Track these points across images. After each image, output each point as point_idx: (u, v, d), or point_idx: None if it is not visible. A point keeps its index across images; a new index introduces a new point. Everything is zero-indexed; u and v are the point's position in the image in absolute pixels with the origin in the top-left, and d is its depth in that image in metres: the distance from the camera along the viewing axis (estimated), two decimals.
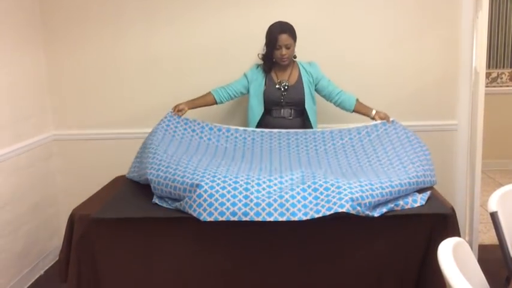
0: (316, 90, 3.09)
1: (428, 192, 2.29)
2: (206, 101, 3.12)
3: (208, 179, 2.16)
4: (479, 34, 3.03)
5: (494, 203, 1.89)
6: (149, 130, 3.46)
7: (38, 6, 3.38)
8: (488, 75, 5.23)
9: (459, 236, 2.01)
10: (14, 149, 3.05)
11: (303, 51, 3.33)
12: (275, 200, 2.08)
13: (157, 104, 3.47)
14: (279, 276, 2.27)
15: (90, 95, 3.50)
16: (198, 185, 2.13)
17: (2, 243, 2.93)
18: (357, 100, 3.02)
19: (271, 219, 2.05)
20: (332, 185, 2.10)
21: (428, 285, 2.17)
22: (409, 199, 2.22)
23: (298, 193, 2.11)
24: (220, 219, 2.08)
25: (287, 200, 2.08)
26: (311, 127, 3.08)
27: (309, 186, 2.12)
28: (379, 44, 3.34)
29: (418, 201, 2.21)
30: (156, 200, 2.36)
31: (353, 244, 2.24)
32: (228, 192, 2.11)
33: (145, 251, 2.29)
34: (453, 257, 1.40)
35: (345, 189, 2.07)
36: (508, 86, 5.34)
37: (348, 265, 2.24)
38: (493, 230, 1.88)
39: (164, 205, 2.31)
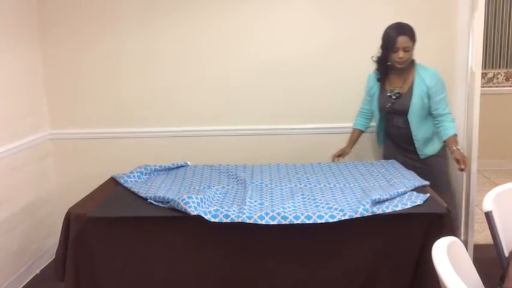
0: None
1: (428, 194, 2.31)
2: (355, 135, 3.19)
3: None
4: (475, 34, 3.03)
5: (489, 202, 1.90)
6: (145, 129, 3.49)
7: (34, 5, 3.37)
8: (484, 75, 5.24)
9: (455, 235, 2.02)
10: (10, 148, 3.04)
11: (299, 53, 3.35)
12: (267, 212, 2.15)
13: (154, 104, 3.48)
14: (276, 275, 2.27)
15: (85, 95, 3.49)
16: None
17: None
18: (454, 135, 2.80)
19: (263, 222, 2.10)
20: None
21: (424, 284, 2.18)
22: (407, 199, 2.24)
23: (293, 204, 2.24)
24: (213, 220, 2.13)
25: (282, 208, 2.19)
26: (407, 137, 2.93)
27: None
28: (375, 44, 3.34)
29: (417, 201, 2.24)
30: (151, 200, 2.37)
31: (349, 243, 2.24)
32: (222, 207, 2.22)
33: (142, 249, 2.30)
34: (448, 256, 1.40)
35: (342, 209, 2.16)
36: (504, 86, 5.35)
37: (344, 264, 2.24)
38: (488, 230, 1.89)
39: (160, 204, 2.33)
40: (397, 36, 2.77)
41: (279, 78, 3.40)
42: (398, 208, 2.19)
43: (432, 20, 3.30)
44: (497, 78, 5.34)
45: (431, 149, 2.95)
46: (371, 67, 3.35)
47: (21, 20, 3.24)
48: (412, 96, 2.84)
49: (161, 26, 3.38)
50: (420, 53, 3.32)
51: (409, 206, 2.20)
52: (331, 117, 3.43)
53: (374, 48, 3.33)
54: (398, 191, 2.34)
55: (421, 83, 2.83)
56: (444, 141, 2.85)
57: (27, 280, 3.20)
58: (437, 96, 2.82)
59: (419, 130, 2.89)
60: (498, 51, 5.28)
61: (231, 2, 3.33)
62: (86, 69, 3.46)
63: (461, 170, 2.68)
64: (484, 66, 5.21)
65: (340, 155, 3.16)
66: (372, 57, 2.95)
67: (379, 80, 3.00)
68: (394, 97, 2.91)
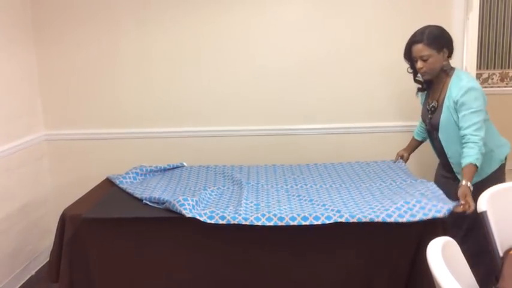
0: None
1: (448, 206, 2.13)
2: (413, 143, 2.98)
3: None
4: (470, 35, 3.05)
5: (483, 202, 1.91)
6: (141, 130, 3.48)
7: (29, 6, 3.36)
8: (479, 75, 5.25)
9: (449, 235, 2.02)
10: (5, 149, 3.03)
11: (298, 53, 3.35)
12: (264, 213, 2.16)
13: (149, 104, 3.47)
14: (272, 276, 2.27)
15: (81, 95, 3.48)
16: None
17: None
18: (471, 165, 2.27)
19: (259, 223, 2.11)
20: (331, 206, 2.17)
21: (419, 284, 2.18)
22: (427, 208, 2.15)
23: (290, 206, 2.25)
24: (209, 222, 2.14)
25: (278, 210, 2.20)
26: (445, 157, 2.57)
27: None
28: (370, 44, 3.35)
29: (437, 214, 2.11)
30: (146, 201, 2.37)
31: (344, 245, 2.24)
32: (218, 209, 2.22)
33: (137, 250, 2.30)
34: (442, 256, 1.41)
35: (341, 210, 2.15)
36: (498, 87, 5.36)
37: (339, 266, 2.25)
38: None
39: (155, 205, 2.33)
40: (411, 45, 2.48)
41: (274, 78, 3.40)
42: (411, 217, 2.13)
43: (427, 21, 3.27)
44: (492, 79, 5.36)
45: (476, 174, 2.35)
46: (368, 67, 3.37)
47: (15, 20, 3.23)
48: (442, 111, 2.48)
49: (156, 26, 3.37)
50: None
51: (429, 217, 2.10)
52: (327, 117, 3.43)
53: (370, 48, 3.35)
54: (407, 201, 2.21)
55: (450, 95, 2.44)
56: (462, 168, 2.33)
57: (23, 281, 3.19)
58: (461, 111, 2.38)
59: (452, 149, 2.52)
60: (493, 52, 5.30)
61: (227, 2, 3.33)
62: (81, 70, 3.45)
63: (460, 210, 2.14)
64: (479, 66, 5.22)
65: (401, 157, 2.98)
66: (407, 69, 2.65)
67: (422, 91, 2.72)
68: (430, 111, 2.60)
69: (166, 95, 3.45)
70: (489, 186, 2.09)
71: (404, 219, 2.09)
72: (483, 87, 5.19)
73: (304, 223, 2.11)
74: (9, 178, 3.10)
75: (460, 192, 2.19)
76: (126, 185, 2.65)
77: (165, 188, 2.57)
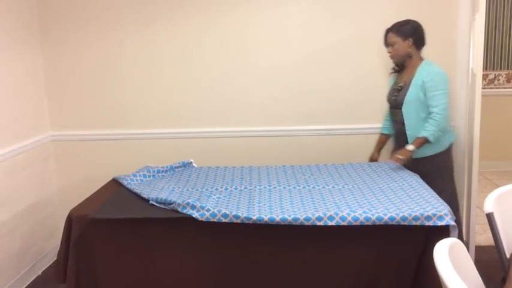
0: None
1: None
2: (382, 140, 3.24)
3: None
4: (476, 36, 3.03)
5: (490, 204, 1.90)
6: (147, 131, 3.49)
7: (35, 8, 3.38)
8: (485, 76, 5.24)
9: (456, 237, 2.01)
10: (12, 150, 3.05)
11: (301, 53, 3.35)
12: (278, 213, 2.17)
13: (154, 105, 3.48)
14: (277, 277, 2.27)
15: (87, 96, 3.50)
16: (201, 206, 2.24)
17: None
18: (424, 138, 2.75)
19: (273, 223, 2.13)
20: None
21: (425, 285, 2.17)
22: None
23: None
24: (224, 220, 2.16)
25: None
26: (404, 133, 2.92)
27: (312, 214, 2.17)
28: (377, 45, 3.35)
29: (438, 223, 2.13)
30: (153, 201, 2.37)
31: (350, 245, 2.24)
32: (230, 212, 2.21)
33: (143, 251, 2.30)
34: (449, 257, 1.40)
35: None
36: (505, 88, 5.35)
37: (347, 266, 2.24)
38: (490, 231, 1.89)
39: (161, 206, 2.33)
40: (386, 32, 2.94)
41: (279, 79, 3.40)
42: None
43: (433, 22, 3.30)
44: (498, 80, 5.34)
45: (424, 150, 2.83)
46: (372, 68, 3.37)
47: (22, 22, 3.25)
48: (409, 89, 2.88)
49: (161, 28, 3.38)
50: (421, 54, 3.33)
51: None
52: (332, 118, 3.43)
53: (374, 49, 3.34)
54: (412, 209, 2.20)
55: (419, 77, 2.85)
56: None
57: (29, 282, 3.20)
58: (431, 92, 2.79)
59: (412, 125, 2.87)
60: (499, 53, 5.28)
61: (230, 4, 3.34)
62: (87, 71, 3.47)
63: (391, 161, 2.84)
64: (485, 67, 5.21)
65: (372, 159, 3.24)
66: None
67: (395, 72, 3.09)
68: (397, 89, 2.98)
69: (171, 95, 3.46)
70: (437, 161, 2.85)
71: (406, 223, 2.12)
72: (489, 88, 5.26)
73: (318, 223, 2.11)
74: (16, 179, 3.11)
75: (401, 150, 2.79)
76: (134, 185, 2.65)
77: (173, 189, 2.57)
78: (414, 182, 2.56)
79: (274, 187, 2.59)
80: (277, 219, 2.12)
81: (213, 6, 3.34)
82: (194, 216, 2.19)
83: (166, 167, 2.97)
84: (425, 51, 3.31)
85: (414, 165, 2.85)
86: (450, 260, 1.39)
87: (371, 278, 2.25)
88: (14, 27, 3.15)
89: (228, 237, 2.25)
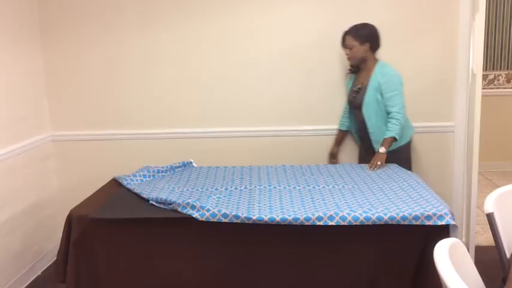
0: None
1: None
2: (340, 136, 3.37)
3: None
4: (476, 36, 3.03)
5: (490, 204, 1.90)
6: (147, 131, 3.49)
7: (36, 7, 3.38)
8: (485, 77, 5.24)
9: (455, 237, 2.01)
10: (11, 150, 3.05)
11: (301, 53, 3.35)
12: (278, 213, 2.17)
13: (155, 105, 3.48)
14: (277, 277, 2.27)
15: (87, 96, 3.50)
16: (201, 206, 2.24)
17: None
18: (392, 138, 2.91)
19: (273, 223, 2.13)
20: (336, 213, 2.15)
21: (425, 285, 2.17)
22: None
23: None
24: (224, 220, 2.16)
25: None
26: (366, 132, 3.07)
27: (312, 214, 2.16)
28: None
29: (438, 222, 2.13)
30: (153, 201, 2.37)
31: (350, 244, 2.24)
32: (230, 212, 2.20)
33: (143, 251, 2.30)
34: (449, 257, 1.40)
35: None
36: (504, 88, 5.35)
37: (345, 265, 2.25)
38: (490, 231, 1.89)
39: (161, 206, 2.33)
40: (344, 35, 3.04)
41: (279, 79, 3.40)
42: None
43: (433, 22, 3.30)
44: (498, 80, 5.34)
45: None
46: None
47: (22, 21, 3.25)
48: (367, 90, 3.01)
49: (161, 28, 3.38)
50: (421, 55, 3.34)
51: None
52: (334, 118, 3.43)
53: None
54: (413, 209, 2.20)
55: (375, 79, 3.00)
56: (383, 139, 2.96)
57: (29, 282, 3.20)
58: (387, 93, 2.95)
59: (374, 125, 3.03)
60: (499, 53, 5.28)
61: (231, 4, 3.34)
62: (87, 71, 3.47)
63: (370, 169, 2.88)
64: (485, 67, 5.21)
65: (332, 157, 3.39)
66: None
67: (351, 73, 3.20)
68: (356, 91, 3.11)
69: (172, 96, 3.46)
70: (402, 153, 3.06)
71: (406, 222, 2.12)
72: (489, 88, 5.26)
73: (318, 223, 2.11)
74: (16, 179, 3.11)
75: (375, 156, 2.91)
76: (134, 185, 2.65)
77: (173, 189, 2.57)
78: (414, 181, 2.56)
79: (274, 187, 2.59)
80: (277, 219, 2.12)
81: (213, 7, 3.34)
82: (194, 216, 2.19)
83: (166, 167, 2.97)
84: (426, 52, 3.32)
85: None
86: (450, 259, 1.39)
87: (371, 278, 2.25)
88: (15, 27, 3.15)
89: (228, 237, 2.25)
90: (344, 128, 3.34)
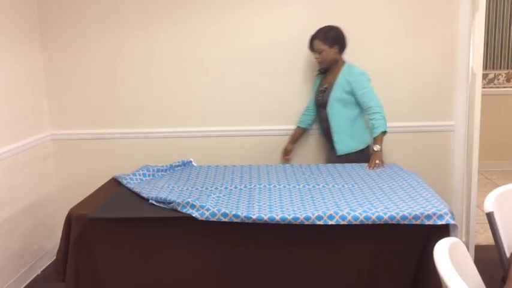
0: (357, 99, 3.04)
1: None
2: (298, 133, 3.39)
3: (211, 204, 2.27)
4: (476, 35, 3.03)
5: (490, 203, 1.90)
6: (146, 130, 3.49)
7: (35, 7, 3.38)
8: (485, 76, 5.24)
9: (455, 236, 2.01)
10: (11, 149, 3.05)
11: (301, 52, 3.35)
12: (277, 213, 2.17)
13: (154, 104, 3.48)
14: (277, 276, 2.27)
15: (87, 95, 3.50)
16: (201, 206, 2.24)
17: None
18: (382, 133, 2.93)
19: (273, 222, 2.13)
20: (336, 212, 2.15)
21: (425, 285, 2.17)
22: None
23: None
24: (223, 219, 2.16)
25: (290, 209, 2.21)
26: (330, 131, 3.10)
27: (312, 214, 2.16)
28: (376, 44, 3.35)
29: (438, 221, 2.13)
30: (152, 201, 2.37)
31: (350, 244, 2.24)
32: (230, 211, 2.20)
33: (143, 250, 2.30)
34: (449, 257, 1.40)
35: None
36: (504, 87, 5.35)
37: (345, 265, 2.24)
38: (490, 231, 1.89)
39: (161, 205, 2.33)
40: (312, 39, 3.07)
41: (279, 79, 3.40)
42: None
43: (433, 21, 3.30)
44: (498, 79, 5.34)
45: (348, 147, 3.08)
46: (366, 68, 3.36)
47: (22, 21, 3.25)
48: (332, 89, 3.06)
49: (161, 27, 3.38)
50: (421, 54, 3.34)
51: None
52: None
53: (375, 48, 3.35)
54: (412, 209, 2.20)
55: (343, 78, 3.04)
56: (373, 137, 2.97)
57: (28, 281, 3.20)
58: (359, 90, 2.99)
59: (337, 124, 3.07)
60: (499, 52, 5.28)
61: (231, 3, 3.34)
62: (87, 70, 3.46)
63: (370, 169, 2.88)
64: (485, 67, 5.21)
65: (286, 154, 3.41)
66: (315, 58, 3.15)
67: (320, 74, 3.24)
68: (322, 90, 3.15)
69: (171, 95, 3.46)
70: (362, 155, 3.04)
71: (406, 222, 2.12)
72: (489, 87, 5.26)
73: (318, 222, 2.11)
74: (16, 178, 3.11)
75: (373, 155, 2.92)
76: (134, 185, 2.65)
77: (172, 188, 2.57)
78: (414, 181, 2.56)
79: (274, 186, 2.59)
80: (277, 218, 2.12)
81: (213, 6, 3.34)
82: (194, 215, 2.19)
83: (166, 166, 2.97)
84: (426, 51, 3.32)
85: (343, 159, 3.06)
86: (450, 259, 1.39)
87: (371, 277, 2.24)
88: (14, 26, 3.15)
89: (227, 236, 2.25)
90: (303, 126, 3.36)
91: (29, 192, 3.27)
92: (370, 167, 2.89)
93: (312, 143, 3.48)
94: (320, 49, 3.04)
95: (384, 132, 2.94)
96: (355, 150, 3.07)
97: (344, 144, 3.08)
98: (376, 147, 2.93)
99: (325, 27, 3.07)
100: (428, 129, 3.41)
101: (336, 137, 3.09)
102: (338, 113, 3.07)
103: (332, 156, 3.16)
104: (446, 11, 3.28)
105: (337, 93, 3.04)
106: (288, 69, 3.39)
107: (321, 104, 3.16)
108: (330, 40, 3.04)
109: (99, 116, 3.51)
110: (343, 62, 3.13)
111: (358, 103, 3.04)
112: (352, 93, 3.02)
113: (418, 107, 3.40)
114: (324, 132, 3.26)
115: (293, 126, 3.42)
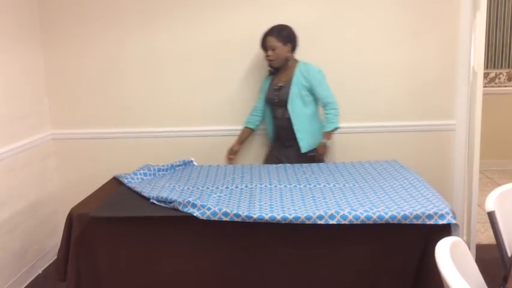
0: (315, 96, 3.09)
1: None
2: (246, 134, 3.38)
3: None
4: (478, 34, 3.03)
5: (491, 202, 1.90)
6: (147, 129, 3.49)
7: (36, 6, 3.38)
8: (486, 75, 5.23)
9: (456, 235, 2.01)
10: (12, 148, 3.05)
11: (303, 51, 3.34)
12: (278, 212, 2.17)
13: (155, 103, 3.48)
14: (278, 276, 2.27)
15: (87, 95, 3.50)
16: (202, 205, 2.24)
17: (0, 242, 2.92)
18: (333, 129, 3.03)
19: (274, 222, 2.13)
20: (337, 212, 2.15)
21: (426, 284, 2.17)
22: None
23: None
24: (225, 219, 2.15)
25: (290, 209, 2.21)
26: (292, 128, 3.10)
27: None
28: (377, 43, 3.35)
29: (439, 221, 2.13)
30: (153, 200, 2.37)
31: (351, 243, 2.24)
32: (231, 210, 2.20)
33: (144, 249, 2.30)
34: (450, 256, 1.40)
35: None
36: (506, 86, 5.35)
37: (346, 264, 2.24)
38: (491, 230, 1.89)
39: (162, 204, 2.33)
40: (265, 36, 3.06)
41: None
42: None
43: (434, 20, 3.30)
44: (499, 78, 5.34)
45: (309, 144, 3.11)
46: (367, 67, 3.37)
47: (22, 20, 3.25)
48: (291, 87, 3.06)
49: (162, 26, 3.38)
50: (422, 53, 3.33)
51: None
52: None
53: (377, 47, 3.34)
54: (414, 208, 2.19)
55: (300, 75, 3.07)
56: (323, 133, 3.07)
57: (29, 280, 3.21)
58: (318, 86, 3.05)
59: (299, 122, 3.08)
60: (500, 51, 5.28)
61: (233, 3, 3.33)
62: (88, 70, 3.46)
63: (313, 156, 3.07)
64: (486, 66, 5.20)
65: (231, 153, 3.40)
66: (265, 56, 3.13)
67: (271, 74, 3.22)
68: (277, 89, 3.13)
69: (172, 94, 3.46)
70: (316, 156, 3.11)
71: (407, 221, 2.11)
72: (490, 86, 5.26)
73: (319, 222, 2.11)
74: (17, 177, 3.11)
75: (318, 147, 3.07)
76: (135, 184, 2.65)
77: (173, 188, 2.57)
78: (415, 180, 2.55)
79: (275, 186, 2.59)
80: (278, 217, 2.12)
81: (215, 5, 3.34)
82: (195, 214, 2.19)
83: (167, 165, 2.97)
84: (427, 50, 3.32)
85: (302, 157, 3.10)
86: (451, 258, 1.39)
87: (372, 277, 2.24)
88: (15, 26, 3.15)
89: (228, 235, 2.25)
90: (252, 126, 3.35)
91: (30, 191, 3.27)
92: (320, 153, 3.06)
93: (258, 143, 3.49)
94: (274, 46, 3.03)
95: (336, 129, 3.04)
96: (314, 148, 3.12)
97: (306, 141, 3.10)
98: (324, 141, 3.05)
99: (278, 25, 3.07)
100: (429, 128, 3.40)
101: (298, 135, 3.10)
102: (299, 111, 3.09)
103: (290, 154, 3.15)
104: (447, 10, 3.28)
105: (296, 90, 3.06)
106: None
107: (277, 103, 3.14)
108: (283, 38, 3.04)
109: (100, 115, 3.51)
110: (296, 61, 3.15)
111: (315, 100, 3.09)
112: (310, 90, 3.06)
113: (419, 106, 3.39)
114: (276, 130, 3.24)
115: None
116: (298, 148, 3.10)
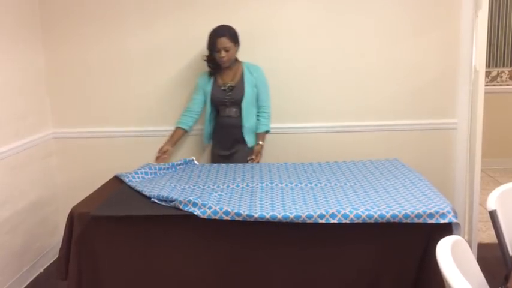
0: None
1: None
2: (179, 135, 3.31)
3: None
4: (479, 33, 3.03)
5: (493, 201, 1.89)
6: (149, 128, 3.49)
7: (37, 4, 3.38)
8: (488, 73, 5.23)
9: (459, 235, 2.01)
10: (13, 147, 3.05)
11: (303, 51, 3.35)
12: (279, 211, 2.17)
13: (157, 103, 3.48)
14: (278, 275, 2.27)
15: (89, 93, 3.50)
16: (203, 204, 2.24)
17: (1, 241, 2.93)
18: (264, 132, 3.20)
19: (275, 221, 2.12)
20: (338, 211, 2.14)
21: (427, 284, 2.17)
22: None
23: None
24: (225, 218, 2.15)
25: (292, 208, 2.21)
26: (240, 126, 3.16)
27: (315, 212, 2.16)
28: (379, 42, 3.34)
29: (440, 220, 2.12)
30: (154, 199, 2.37)
31: (352, 242, 2.23)
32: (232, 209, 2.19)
33: (145, 248, 2.30)
34: (452, 255, 1.40)
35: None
36: (508, 85, 5.34)
37: (346, 265, 2.24)
38: (492, 229, 1.89)
39: (163, 203, 2.33)
40: (217, 37, 3.02)
41: (281, 77, 3.39)
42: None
43: (436, 19, 3.29)
44: (501, 77, 5.33)
45: (253, 141, 3.21)
46: (369, 66, 3.36)
47: (23, 20, 3.25)
48: (245, 86, 3.13)
49: (163, 26, 3.38)
50: (424, 52, 3.33)
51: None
52: (332, 116, 3.42)
53: (379, 46, 3.34)
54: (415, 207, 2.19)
55: (249, 75, 3.15)
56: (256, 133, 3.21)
57: (31, 279, 3.21)
58: (262, 87, 3.19)
59: (249, 119, 3.17)
60: (502, 50, 5.27)
61: (234, 3, 3.33)
62: (89, 69, 3.46)
63: (252, 160, 3.14)
64: (488, 64, 5.20)
65: (163, 153, 3.25)
66: (203, 56, 3.16)
67: (211, 76, 3.21)
68: (227, 90, 3.15)
69: (173, 93, 3.46)
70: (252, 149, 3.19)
71: (409, 220, 2.11)
72: (492, 85, 5.25)
73: (320, 221, 2.10)
74: (18, 176, 3.12)
75: (257, 149, 3.18)
76: (135, 183, 2.65)
77: (174, 187, 2.57)
78: (416, 179, 2.55)
79: (276, 185, 2.58)
80: (279, 216, 2.12)
81: (215, 5, 3.33)
82: (196, 213, 2.19)
83: (168, 164, 2.97)
84: (429, 49, 3.31)
85: (247, 153, 3.19)
86: (453, 257, 1.39)
87: (373, 276, 2.24)
88: (16, 25, 3.15)
89: (229, 234, 2.25)
90: (185, 127, 3.30)
91: (32, 190, 3.28)
92: (255, 160, 3.12)
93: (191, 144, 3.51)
94: (228, 47, 3.02)
95: (268, 132, 3.22)
96: (253, 145, 3.21)
97: (251, 138, 3.20)
98: (260, 142, 3.19)
99: (224, 25, 3.06)
100: (431, 127, 3.40)
101: (245, 131, 3.17)
102: (250, 109, 3.16)
103: (230, 156, 3.22)
104: (449, 9, 3.27)
105: (249, 90, 3.13)
106: (289, 68, 3.38)
107: (229, 101, 3.15)
108: (235, 38, 3.07)
109: (101, 114, 3.51)
110: (240, 61, 3.19)
111: (256, 100, 3.19)
112: (256, 89, 3.16)
113: (421, 105, 3.39)
114: (220, 129, 3.25)
115: (293, 124, 3.42)
116: (242, 147, 3.19)
